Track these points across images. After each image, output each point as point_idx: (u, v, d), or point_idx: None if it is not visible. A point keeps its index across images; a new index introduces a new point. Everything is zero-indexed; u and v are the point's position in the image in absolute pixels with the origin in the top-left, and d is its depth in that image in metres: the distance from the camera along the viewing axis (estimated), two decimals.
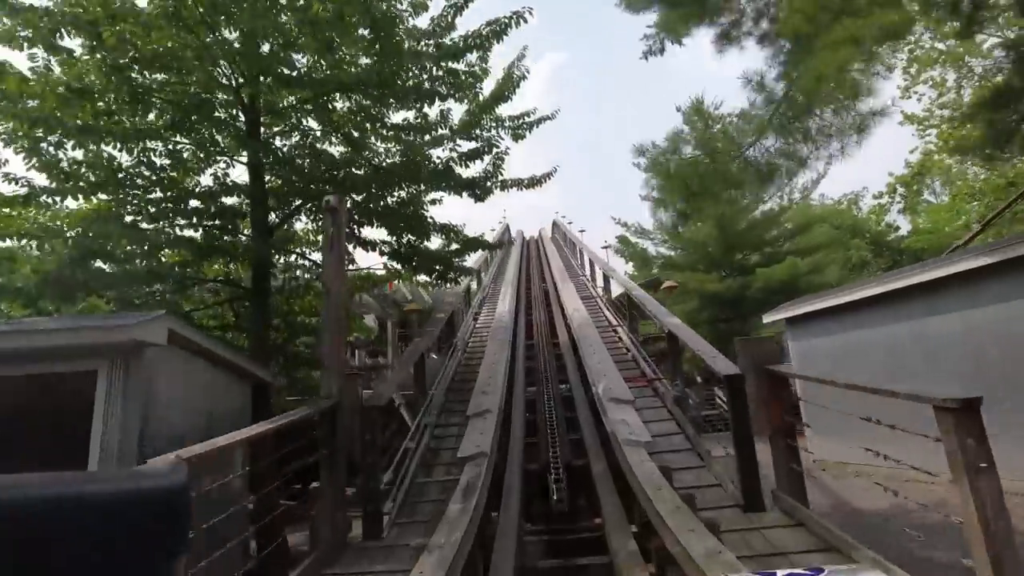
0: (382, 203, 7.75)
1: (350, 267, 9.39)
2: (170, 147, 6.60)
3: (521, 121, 9.31)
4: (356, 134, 7.40)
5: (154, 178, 6.61)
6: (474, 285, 13.31)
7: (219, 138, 6.82)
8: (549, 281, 16.31)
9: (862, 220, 31.99)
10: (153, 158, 6.48)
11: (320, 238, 8.19)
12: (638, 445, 4.30)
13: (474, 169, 8.59)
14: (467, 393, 6.56)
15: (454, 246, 9.10)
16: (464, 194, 9.22)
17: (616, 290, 12.37)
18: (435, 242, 9.39)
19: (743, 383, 4.43)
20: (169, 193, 6.83)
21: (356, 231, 7.81)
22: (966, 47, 21.49)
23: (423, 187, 8.10)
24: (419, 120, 7.80)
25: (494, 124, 8.97)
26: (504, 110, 9.16)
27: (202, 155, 6.90)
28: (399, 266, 9.32)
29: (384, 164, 7.57)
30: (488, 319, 11.48)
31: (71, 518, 0.38)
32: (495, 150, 9.00)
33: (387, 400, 4.69)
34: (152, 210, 6.69)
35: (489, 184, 9.20)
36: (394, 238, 8.03)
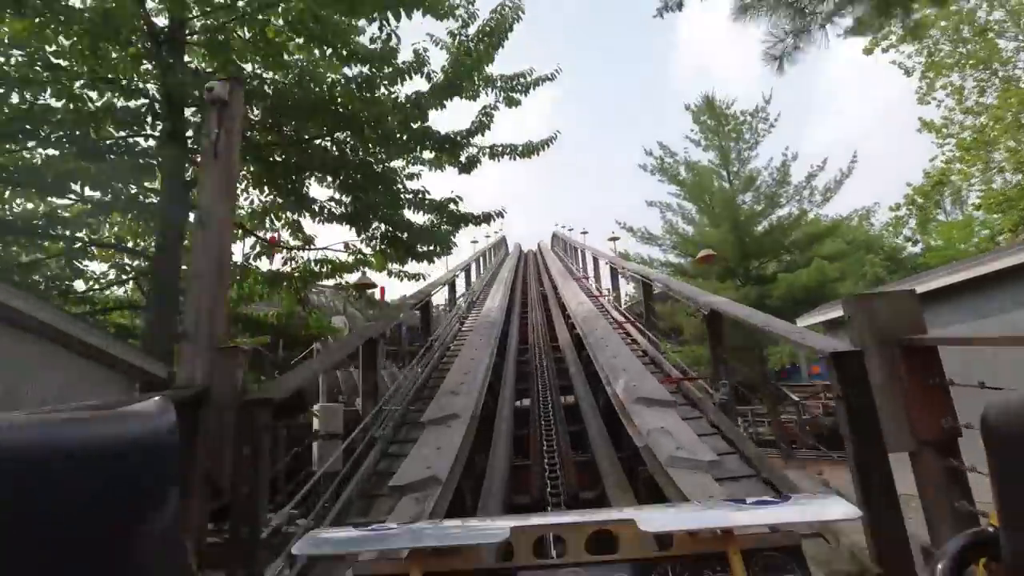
0: (334, 148, 6.10)
1: (305, 249, 7.71)
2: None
3: (516, 82, 7.76)
4: (299, 58, 5.78)
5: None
6: (460, 283, 11.60)
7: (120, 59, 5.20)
8: (548, 285, 14.62)
9: (875, 236, 30.63)
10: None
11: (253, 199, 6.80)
12: (695, 467, 2.54)
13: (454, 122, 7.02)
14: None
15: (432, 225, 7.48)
16: (444, 160, 7.58)
17: (628, 290, 10.66)
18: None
19: (862, 366, 2.69)
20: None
21: (297, 185, 6.13)
22: (988, 47, 20.29)
23: (388, 141, 6.47)
24: (382, 47, 6.15)
25: (482, 83, 7.42)
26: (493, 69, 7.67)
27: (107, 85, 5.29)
28: (365, 247, 7.64)
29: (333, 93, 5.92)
30: (475, 322, 9.76)
31: (51, 469, 0.35)
32: (484, 108, 7.43)
33: (289, 393, 2.91)
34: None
35: (475, 149, 7.58)
36: (349, 198, 6.34)
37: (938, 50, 21.82)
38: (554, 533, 1.12)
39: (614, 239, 12.35)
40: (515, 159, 7.90)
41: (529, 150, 7.82)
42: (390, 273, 8.11)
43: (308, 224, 7.51)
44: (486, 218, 7.10)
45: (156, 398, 0.44)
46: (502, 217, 7.37)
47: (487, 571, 1.03)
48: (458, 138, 6.90)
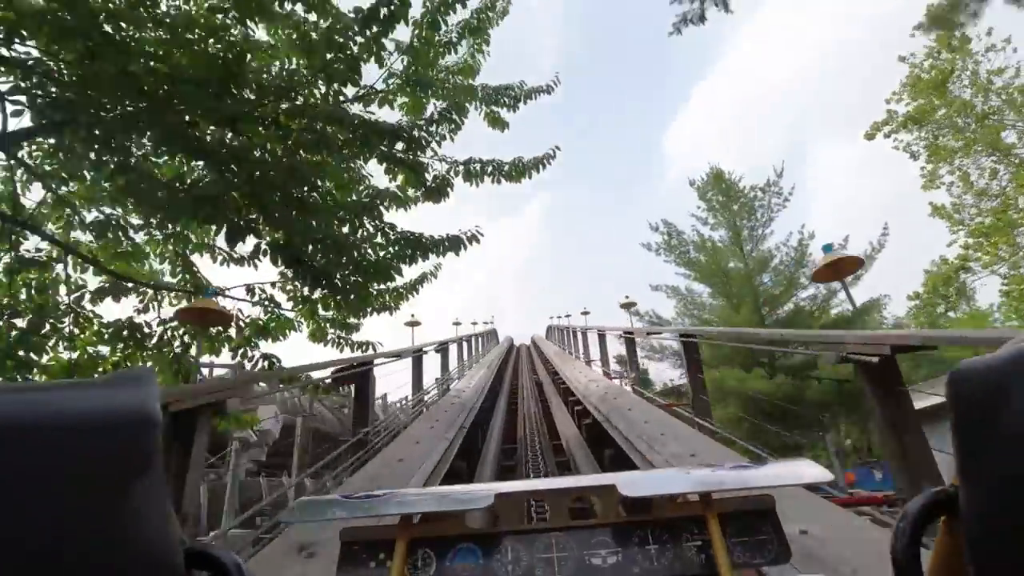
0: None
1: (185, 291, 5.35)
2: None
3: (502, 95, 5.95)
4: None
5: None
6: (432, 364, 9.06)
7: None
8: (544, 371, 12.10)
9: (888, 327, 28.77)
10: None
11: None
12: None
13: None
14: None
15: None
16: (404, 181, 5.49)
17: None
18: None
19: None
20: None
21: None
22: (990, 133, 19.68)
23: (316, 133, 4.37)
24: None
25: (458, 94, 5.62)
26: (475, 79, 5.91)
27: None
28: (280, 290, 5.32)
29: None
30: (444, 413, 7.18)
31: (25, 438, 0.34)
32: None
33: None
34: None
35: (444, 165, 5.54)
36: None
37: (941, 134, 21.27)
38: (537, 499, 1.31)
39: (629, 304, 10.27)
40: (499, 182, 5.82)
41: (520, 171, 5.78)
42: (322, 335, 5.70)
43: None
44: (452, 244, 4.82)
45: (141, 368, 0.61)
46: (477, 242, 5.10)
47: (472, 535, 1.03)
48: (417, 134, 4.84)
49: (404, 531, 1.00)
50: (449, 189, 5.69)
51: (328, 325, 5.94)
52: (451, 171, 5.61)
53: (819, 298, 15.54)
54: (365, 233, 4.87)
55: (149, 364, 4.95)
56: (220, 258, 5.08)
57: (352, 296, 4.74)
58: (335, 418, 14.22)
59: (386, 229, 4.73)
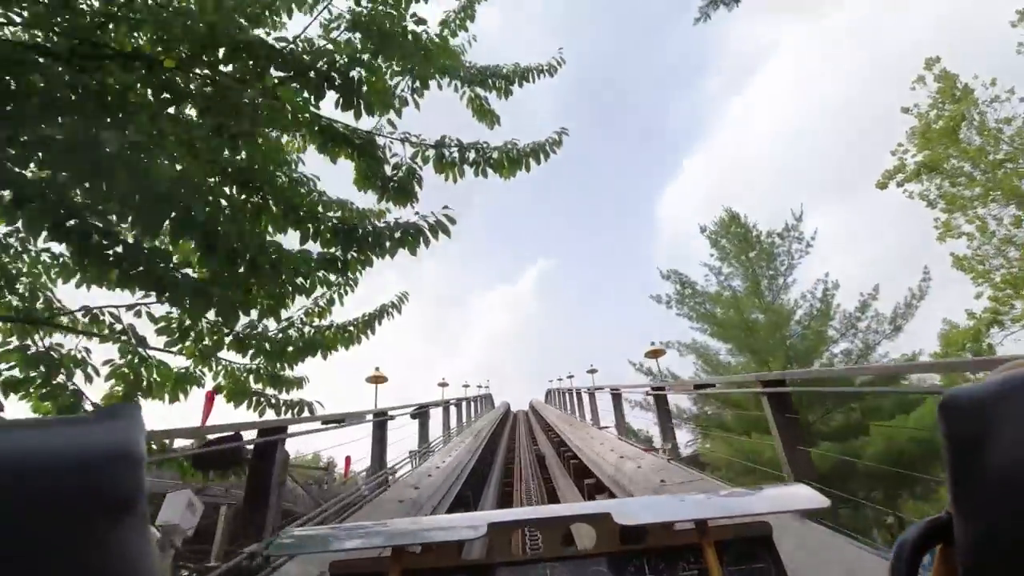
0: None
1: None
2: None
3: (490, 75, 4.53)
4: None
5: None
6: (408, 428, 7.09)
7: None
8: (546, 440, 10.08)
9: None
10: None
11: None
12: None
13: None
14: None
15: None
16: (336, 143, 3.84)
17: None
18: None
19: None
20: None
21: None
22: (1007, 180, 18.77)
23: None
24: None
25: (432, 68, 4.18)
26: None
27: None
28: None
29: None
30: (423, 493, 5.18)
31: (5, 476, 0.33)
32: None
33: None
34: None
35: (392, 124, 3.91)
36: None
37: (956, 182, 20.32)
38: (531, 528, 1.36)
39: (656, 352, 8.58)
40: (484, 174, 4.20)
41: (514, 160, 4.16)
42: (241, 392, 3.89)
43: None
44: (414, 232, 3.14)
45: (125, 404, 0.44)
46: (446, 233, 3.41)
47: (466, 567, 1.01)
48: (357, 75, 3.30)
49: (397, 563, 0.97)
50: (417, 185, 4.10)
51: (250, 378, 4.13)
52: (418, 156, 4.04)
53: (854, 353, 13.82)
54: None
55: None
56: None
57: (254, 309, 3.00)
58: (307, 495, 11.97)
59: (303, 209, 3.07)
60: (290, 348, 3.51)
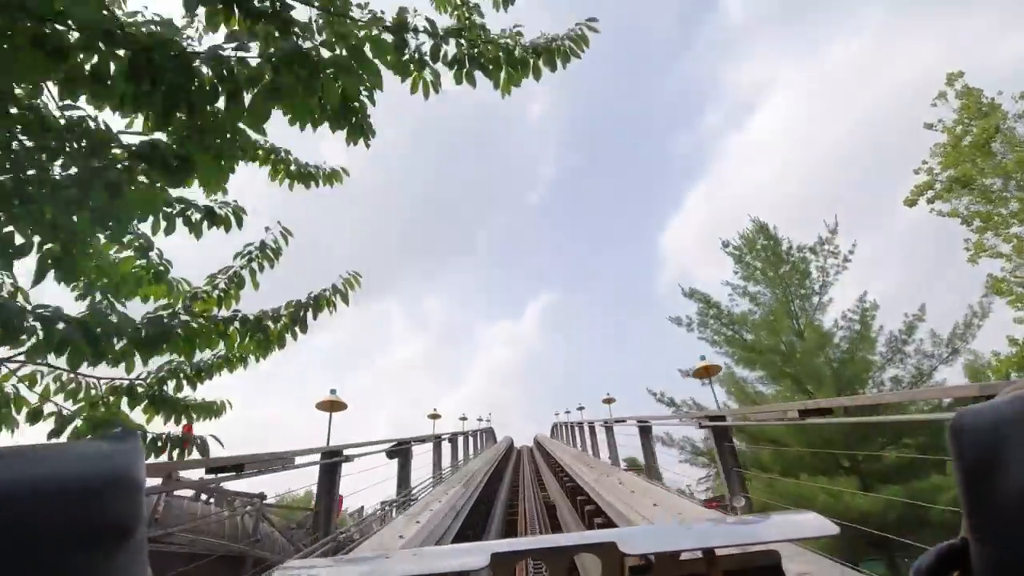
0: None
1: None
2: None
3: None
4: None
5: None
6: (384, 467, 5.39)
7: None
8: (557, 488, 8.34)
9: None
10: None
11: None
12: None
13: None
14: None
15: None
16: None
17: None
18: None
19: None
20: None
21: None
22: None
23: None
24: None
25: None
26: None
27: None
28: None
29: None
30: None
31: (13, 508, 0.32)
32: None
33: None
34: None
35: None
36: None
37: (992, 198, 18.92)
38: (535, 559, 1.13)
39: (708, 370, 6.92)
40: (471, 79, 2.77)
41: (522, 58, 2.74)
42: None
43: None
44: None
45: (122, 430, 0.40)
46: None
47: None
48: None
49: None
50: (367, 106, 2.65)
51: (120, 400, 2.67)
52: (366, 45, 2.51)
53: (905, 380, 12.11)
54: None
55: None
56: None
57: None
58: (288, 541, 10.24)
59: None
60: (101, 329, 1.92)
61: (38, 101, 1.78)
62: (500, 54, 2.74)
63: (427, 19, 2.59)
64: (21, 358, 1.94)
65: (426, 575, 0.94)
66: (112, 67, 1.50)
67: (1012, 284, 17.84)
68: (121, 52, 1.47)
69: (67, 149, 1.66)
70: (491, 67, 2.75)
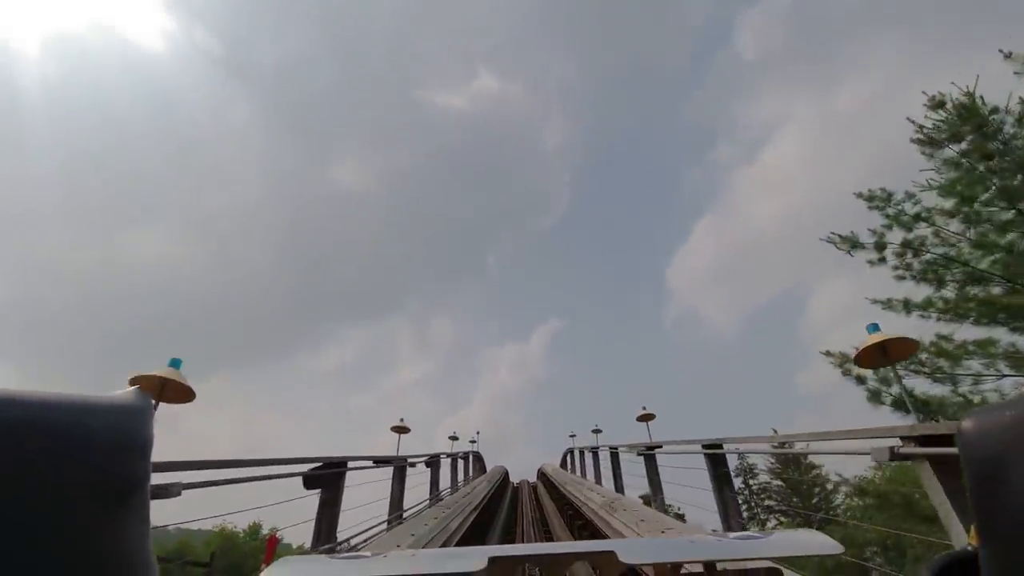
0: None
1: None
2: None
3: None
4: None
5: None
6: None
7: None
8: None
9: None
10: None
11: None
12: None
13: None
14: None
15: None
16: None
17: None
18: None
19: None
20: None
21: None
22: None
23: None
24: None
25: None
26: None
27: None
28: None
29: None
30: None
31: (8, 452, 0.33)
32: None
33: None
34: None
35: None
36: None
37: None
38: (533, 564, 1.19)
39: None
40: None
41: None
42: None
43: None
44: None
45: (135, 390, 0.40)
46: None
47: None
48: None
49: None
50: None
51: None
52: None
53: None
54: None
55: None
56: None
57: None
58: None
59: None
60: None
61: None
62: None
63: None
64: None
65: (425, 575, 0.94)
66: None
67: None
68: None
69: None
70: None
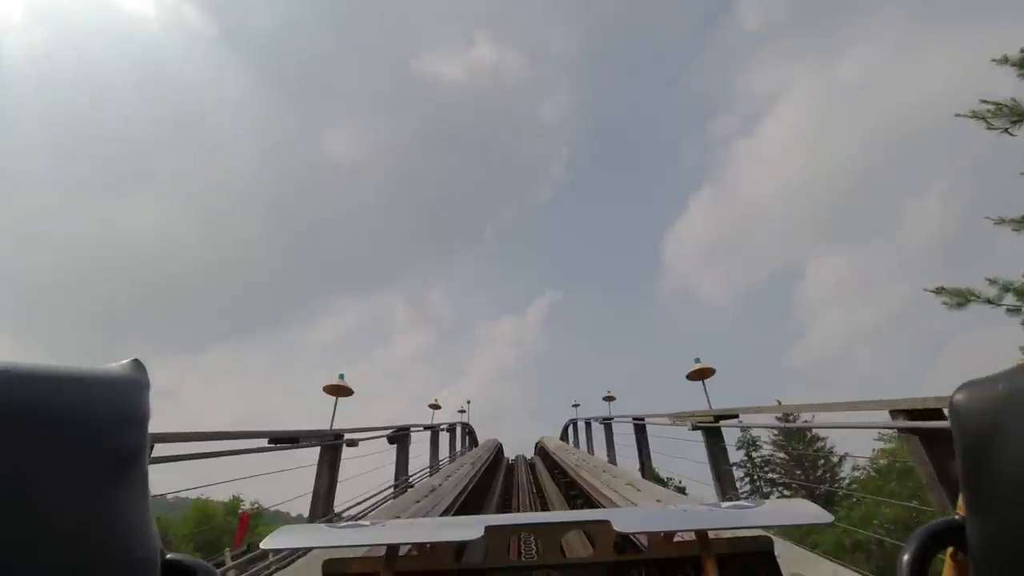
0: None
1: None
2: None
3: None
4: None
5: None
6: None
7: None
8: None
9: None
10: None
11: None
12: None
13: None
14: None
15: None
16: None
17: None
18: None
19: None
20: None
21: None
22: None
23: None
24: None
25: None
26: None
27: None
28: None
29: None
30: None
31: (12, 420, 0.32)
32: None
33: None
34: None
35: None
36: None
37: None
38: (529, 533, 1.17)
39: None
40: None
41: None
42: None
43: None
44: None
45: (133, 361, 0.40)
46: None
47: (462, 571, 0.96)
48: None
49: (390, 565, 0.92)
50: None
51: None
52: None
53: None
54: None
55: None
56: None
57: None
58: None
59: None
60: None
61: None
62: None
63: None
64: None
65: (420, 545, 0.96)
66: None
67: None
68: None
69: None
70: None
